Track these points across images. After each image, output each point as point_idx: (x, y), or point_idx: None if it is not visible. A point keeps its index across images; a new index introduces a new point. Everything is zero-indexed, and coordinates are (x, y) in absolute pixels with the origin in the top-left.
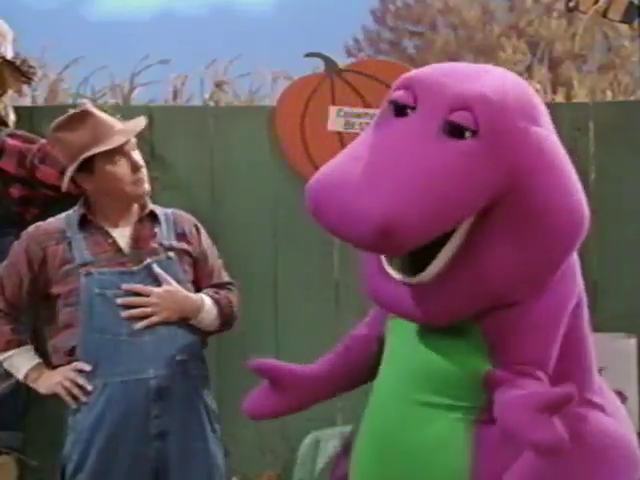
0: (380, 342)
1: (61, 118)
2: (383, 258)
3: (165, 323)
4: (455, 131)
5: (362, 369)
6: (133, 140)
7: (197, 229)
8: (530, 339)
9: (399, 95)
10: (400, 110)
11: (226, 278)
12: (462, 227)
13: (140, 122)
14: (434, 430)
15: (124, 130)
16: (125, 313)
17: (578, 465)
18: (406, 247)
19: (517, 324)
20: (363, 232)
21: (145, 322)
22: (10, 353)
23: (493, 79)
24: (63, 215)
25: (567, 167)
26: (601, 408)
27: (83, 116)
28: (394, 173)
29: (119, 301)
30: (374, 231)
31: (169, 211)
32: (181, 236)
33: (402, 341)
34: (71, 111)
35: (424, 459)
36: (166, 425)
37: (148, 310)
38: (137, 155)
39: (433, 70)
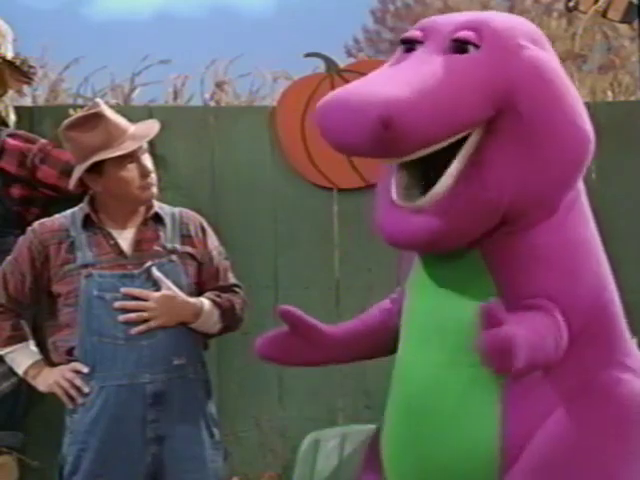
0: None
1: (74, 117)
2: (393, 188)
3: (163, 328)
4: (459, 48)
5: (382, 340)
6: (144, 145)
7: (203, 230)
8: (541, 273)
9: (408, 33)
10: (409, 46)
11: (232, 280)
12: (468, 143)
13: (153, 127)
14: (459, 390)
15: (136, 135)
16: (122, 317)
17: (613, 426)
18: (409, 143)
19: (526, 257)
20: (364, 123)
21: (142, 327)
22: (11, 349)
23: (499, 13)
24: (69, 212)
25: (571, 90)
26: (635, 372)
27: (96, 117)
28: (395, 79)
29: (116, 305)
30: (374, 119)
31: (176, 211)
32: (186, 238)
33: (415, 304)
34: (85, 108)
35: (452, 421)
36: (163, 430)
37: (145, 315)
38: (147, 160)
39: (442, 15)
